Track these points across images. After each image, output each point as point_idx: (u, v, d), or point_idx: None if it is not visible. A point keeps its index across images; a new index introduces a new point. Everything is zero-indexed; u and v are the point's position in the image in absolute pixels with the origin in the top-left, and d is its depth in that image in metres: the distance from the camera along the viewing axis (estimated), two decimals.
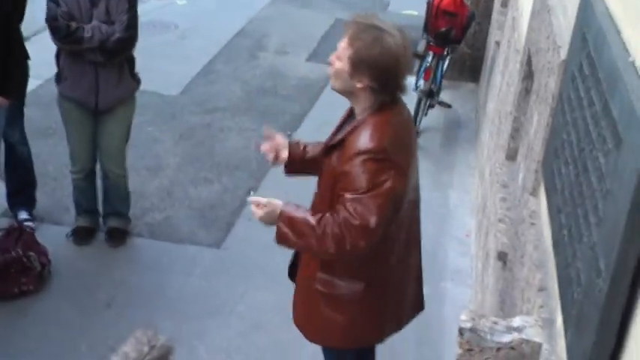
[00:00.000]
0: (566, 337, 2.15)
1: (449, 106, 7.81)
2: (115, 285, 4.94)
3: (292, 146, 3.46)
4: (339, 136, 3.12)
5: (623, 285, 1.74)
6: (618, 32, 2.23)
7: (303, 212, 3.10)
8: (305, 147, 3.47)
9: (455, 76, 8.49)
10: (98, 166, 5.25)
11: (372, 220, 2.95)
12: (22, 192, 5.40)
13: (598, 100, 2.17)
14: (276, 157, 3.45)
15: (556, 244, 2.50)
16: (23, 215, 5.33)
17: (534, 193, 3.32)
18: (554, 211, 2.61)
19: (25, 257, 4.69)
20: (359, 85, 3.02)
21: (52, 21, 4.77)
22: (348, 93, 3.11)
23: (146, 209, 5.74)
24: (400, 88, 3.09)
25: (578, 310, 2.02)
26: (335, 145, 3.12)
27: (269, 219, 3.12)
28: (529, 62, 4.25)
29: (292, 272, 3.55)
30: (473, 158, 6.94)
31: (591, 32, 2.44)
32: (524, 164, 3.79)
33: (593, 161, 2.10)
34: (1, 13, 4.52)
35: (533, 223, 3.15)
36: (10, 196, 5.41)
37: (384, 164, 2.97)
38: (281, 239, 3.13)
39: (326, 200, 3.15)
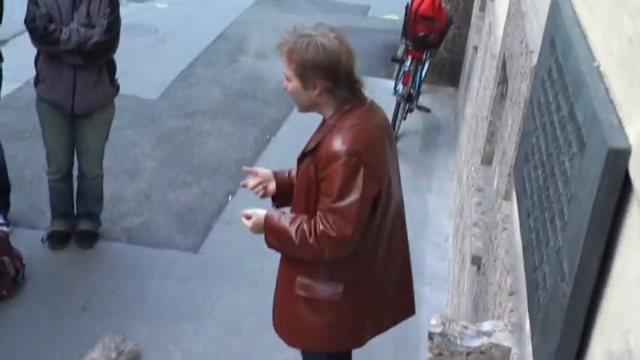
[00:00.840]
0: (532, 341, 2.16)
1: (428, 110, 7.83)
2: (91, 289, 4.91)
3: (278, 176, 3.48)
4: (313, 143, 3.16)
5: (586, 289, 1.74)
6: (584, 37, 2.24)
7: (284, 221, 3.18)
8: (289, 172, 3.48)
9: (434, 80, 8.52)
10: (74, 168, 5.23)
11: (349, 230, 3.07)
12: None
13: (565, 105, 2.17)
14: (265, 191, 3.47)
15: (525, 248, 2.51)
16: None
17: (507, 197, 3.33)
18: (523, 216, 2.62)
19: None
20: (316, 92, 3.10)
21: (30, 22, 4.76)
22: (313, 106, 3.18)
23: (123, 214, 5.71)
24: (355, 81, 3.15)
25: (543, 314, 2.03)
26: (309, 151, 3.16)
27: (257, 228, 3.27)
28: (504, 67, 4.27)
29: None
30: (452, 162, 6.96)
31: (559, 37, 2.45)
32: (499, 168, 3.80)
33: (560, 165, 2.11)
34: None
35: (505, 228, 3.16)
36: None
37: (356, 167, 3.04)
38: (269, 246, 3.29)
39: (301, 204, 3.22)
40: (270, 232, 3.21)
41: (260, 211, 3.26)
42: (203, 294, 4.98)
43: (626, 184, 1.66)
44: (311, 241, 3.08)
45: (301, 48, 3.04)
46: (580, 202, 1.81)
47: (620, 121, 1.76)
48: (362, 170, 3.04)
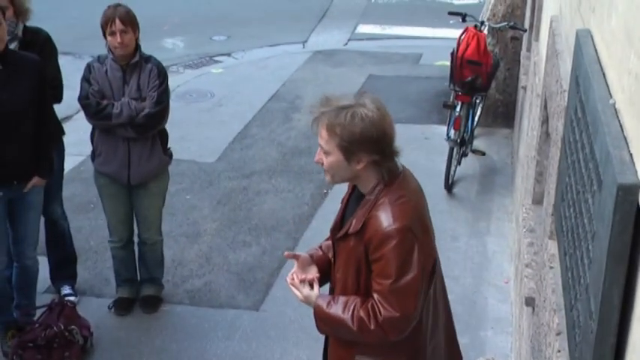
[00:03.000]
0: None
1: (483, 153, 7.82)
2: (157, 353, 5.01)
3: (315, 257, 3.33)
4: (358, 223, 3.03)
5: (611, 325, 1.75)
6: (603, 74, 2.27)
7: (335, 309, 3.08)
8: (321, 248, 3.40)
9: (489, 122, 8.53)
10: (135, 234, 5.41)
11: (411, 307, 2.99)
12: (64, 267, 5.56)
13: (587, 143, 2.20)
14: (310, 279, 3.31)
15: (564, 287, 2.51)
16: (66, 290, 5.48)
17: (552, 236, 3.32)
18: (562, 254, 2.62)
19: (67, 331, 4.80)
20: (360, 166, 2.98)
21: (83, 99, 4.95)
22: (354, 179, 3.08)
23: (185, 276, 5.84)
24: (396, 152, 3.05)
25: (579, 353, 2.03)
26: (356, 232, 3.05)
27: (306, 303, 3.21)
28: (546, 106, 4.28)
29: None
30: (510, 204, 6.92)
31: (581, 75, 2.48)
32: (547, 208, 3.80)
33: (585, 203, 2.13)
34: (31, 100, 4.67)
35: (552, 267, 3.14)
36: (53, 271, 5.56)
37: (411, 243, 2.96)
38: (321, 332, 3.26)
39: (351, 284, 3.12)
40: (322, 321, 3.13)
41: (311, 295, 3.16)
42: (266, 352, 5.03)
43: None
44: (372, 327, 2.99)
45: (345, 121, 2.91)
46: (600, 239, 1.83)
47: (631, 156, 1.78)
48: (416, 246, 2.96)
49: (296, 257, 3.30)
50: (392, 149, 3.02)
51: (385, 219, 2.95)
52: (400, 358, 3.19)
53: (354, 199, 3.18)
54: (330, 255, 3.30)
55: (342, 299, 3.10)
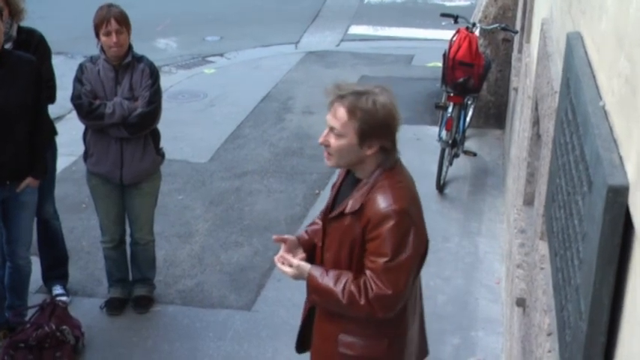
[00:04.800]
0: None
1: (474, 154, 7.84)
2: (148, 353, 5.01)
3: (302, 240, 3.42)
4: (356, 203, 3.09)
5: (601, 326, 1.77)
6: (593, 77, 2.29)
7: (327, 281, 3.15)
8: (307, 232, 3.47)
9: (480, 123, 8.56)
10: (127, 235, 5.40)
11: (402, 287, 3.07)
12: (56, 267, 5.55)
13: (577, 145, 2.22)
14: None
15: (555, 287, 2.53)
16: (58, 290, 5.47)
17: (543, 237, 3.34)
18: (552, 255, 2.64)
19: (58, 332, 4.79)
20: (370, 151, 3.05)
21: (75, 99, 4.95)
22: (357, 163, 3.11)
23: (177, 277, 5.84)
24: (396, 140, 3.16)
25: (570, 354, 2.05)
26: (353, 212, 3.11)
27: (299, 278, 3.28)
28: (537, 108, 4.31)
29: (300, 344, 3.60)
30: (501, 204, 6.95)
31: (572, 78, 2.50)
32: (538, 209, 3.82)
33: (575, 204, 2.15)
34: (25, 103, 4.66)
35: (542, 268, 3.17)
36: (45, 271, 5.55)
37: (408, 226, 3.04)
38: (313, 303, 3.33)
39: (343, 261, 3.19)
40: (315, 292, 3.21)
41: (304, 265, 3.24)
42: (257, 352, 5.04)
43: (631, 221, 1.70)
44: (362, 302, 3.06)
45: (367, 106, 2.98)
46: (590, 240, 1.85)
47: (621, 158, 1.80)
48: (412, 229, 3.05)
49: (284, 240, 3.39)
50: (395, 139, 3.12)
51: (384, 200, 3.04)
52: (382, 341, 3.26)
53: (347, 184, 3.23)
54: (316, 239, 3.36)
55: (334, 272, 3.17)
